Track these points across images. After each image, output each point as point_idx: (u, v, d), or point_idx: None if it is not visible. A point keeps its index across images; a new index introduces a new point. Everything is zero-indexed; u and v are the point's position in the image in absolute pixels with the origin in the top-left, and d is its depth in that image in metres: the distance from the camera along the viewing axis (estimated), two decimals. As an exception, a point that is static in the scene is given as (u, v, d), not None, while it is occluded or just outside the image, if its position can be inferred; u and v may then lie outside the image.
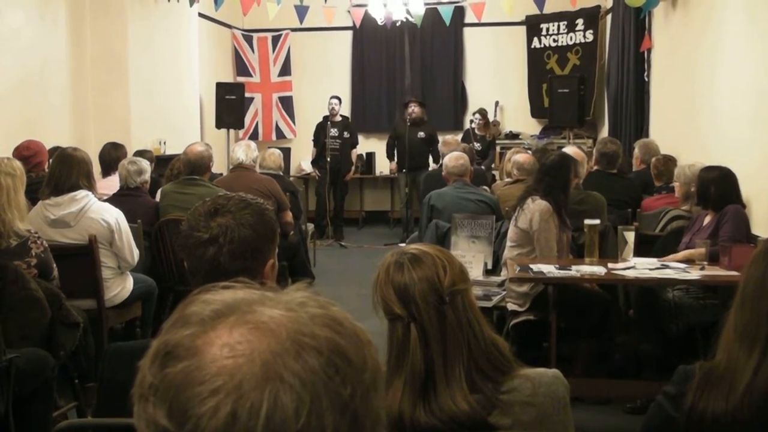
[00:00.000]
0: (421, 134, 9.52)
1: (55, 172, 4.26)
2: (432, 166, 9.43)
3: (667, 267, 4.10)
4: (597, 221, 4.33)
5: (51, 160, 4.66)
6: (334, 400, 0.64)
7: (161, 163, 6.74)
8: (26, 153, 5.15)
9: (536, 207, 4.28)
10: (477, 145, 9.66)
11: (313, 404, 0.63)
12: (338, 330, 0.68)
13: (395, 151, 9.97)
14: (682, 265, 4.11)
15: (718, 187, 4.34)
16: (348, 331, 0.69)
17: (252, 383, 0.62)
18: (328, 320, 0.68)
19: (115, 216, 4.31)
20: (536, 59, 10.87)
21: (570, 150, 5.10)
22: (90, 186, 4.30)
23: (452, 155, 5.56)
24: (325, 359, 0.65)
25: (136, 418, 0.67)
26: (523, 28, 10.89)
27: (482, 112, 10.35)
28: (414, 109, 9.56)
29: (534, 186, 4.44)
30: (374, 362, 0.70)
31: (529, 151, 6.69)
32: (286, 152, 10.10)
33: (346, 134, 9.98)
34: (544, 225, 4.26)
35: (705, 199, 4.37)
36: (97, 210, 4.26)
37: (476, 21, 10.11)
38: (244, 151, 5.98)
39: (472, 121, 10.31)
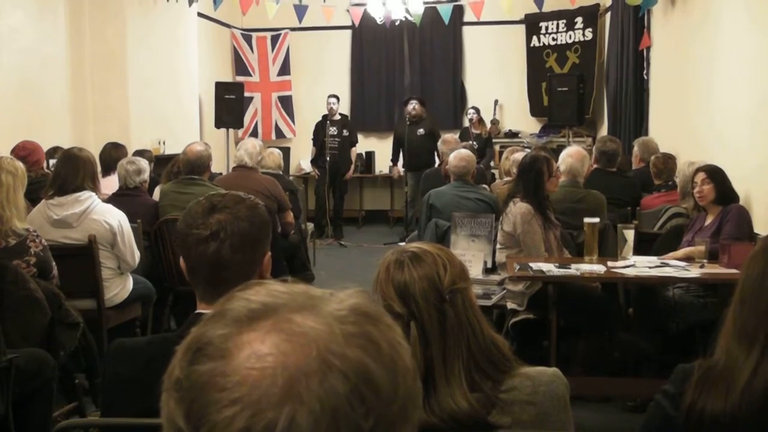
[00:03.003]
0: (421, 131, 9.50)
1: (60, 172, 4.25)
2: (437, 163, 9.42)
3: (666, 265, 4.10)
4: (596, 219, 4.33)
5: (56, 160, 4.65)
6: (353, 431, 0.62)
7: (161, 162, 6.74)
8: (23, 153, 5.15)
9: (517, 210, 4.32)
10: (474, 144, 9.65)
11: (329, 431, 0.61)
12: (372, 353, 0.65)
13: (399, 152, 9.88)
14: (682, 264, 4.11)
15: (727, 183, 4.37)
16: (384, 356, 0.66)
17: (272, 401, 0.61)
18: (365, 341, 0.65)
19: (117, 218, 4.31)
20: (535, 58, 10.87)
21: (573, 149, 5.11)
22: (94, 187, 4.29)
23: (457, 154, 5.53)
24: (351, 386, 0.62)
25: (162, 405, 0.67)
26: (522, 27, 10.89)
27: (476, 108, 10.37)
28: (414, 107, 9.53)
29: (514, 189, 4.50)
30: (408, 391, 0.67)
31: (528, 150, 6.69)
32: (286, 152, 10.08)
33: (345, 133, 9.98)
34: (528, 227, 4.30)
35: (727, 195, 4.37)
36: (100, 212, 4.25)
37: (475, 20, 10.11)
38: (249, 153, 5.96)
39: (470, 120, 10.33)
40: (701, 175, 4.38)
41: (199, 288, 1.74)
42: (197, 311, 1.75)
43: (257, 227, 1.74)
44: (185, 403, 0.64)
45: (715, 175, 4.37)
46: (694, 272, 3.98)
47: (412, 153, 9.35)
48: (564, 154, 5.00)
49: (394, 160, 10.09)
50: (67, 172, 4.20)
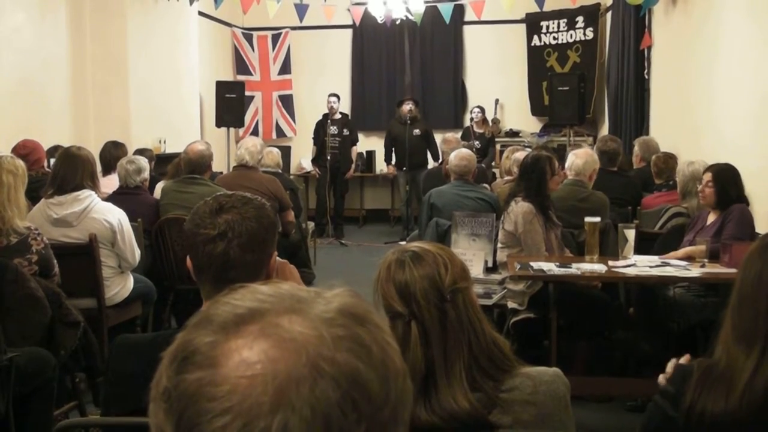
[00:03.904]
0: (417, 131, 9.54)
1: (59, 171, 4.24)
2: (431, 163, 9.44)
3: (667, 264, 4.10)
4: (597, 219, 4.33)
5: (55, 159, 4.65)
6: None
7: (161, 161, 6.74)
8: (23, 152, 5.15)
9: (519, 209, 4.32)
10: (476, 143, 9.67)
11: None
12: (363, 357, 0.64)
13: (392, 152, 9.94)
14: (683, 263, 4.10)
15: (733, 186, 4.34)
16: (375, 360, 0.65)
17: (263, 409, 0.60)
18: (354, 344, 0.64)
19: (117, 217, 4.30)
20: (536, 57, 10.87)
21: (581, 150, 5.12)
22: (94, 186, 4.29)
23: (458, 153, 5.53)
24: (342, 392, 0.62)
25: (150, 416, 0.66)
26: (523, 26, 10.89)
27: (481, 108, 10.38)
28: (411, 107, 9.57)
29: (515, 188, 4.50)
30: (399, 394, 0.66)
31: (529, 149, 6.69)
32: (287, 150, 10.10)
33: (345, 132, 9.98)
34: (529, 226, 4.30)
35: (727, 200, 4.33)
36: (100, 210, 4.25)
37: (476, 19, 10.11)
38: (250, 152, 5.95)
39: (472, 119, 10.33)
40: (708, 176, 4.35)
41: (205, 287, 1.74)
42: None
43: (264, 227, 1.74)
44: (175, 413, 0.63)
45: (719, 177, 4.32)
46: (695, 272, 3.98)
47: (410, 153, 9.38)
48: (571, 153, 5.02)
49: (388, 160, 10.10)
50: (66, 171, 4.20)
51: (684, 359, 1.75)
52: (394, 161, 9.95)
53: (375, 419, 0.63)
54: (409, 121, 9.43)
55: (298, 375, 0.61)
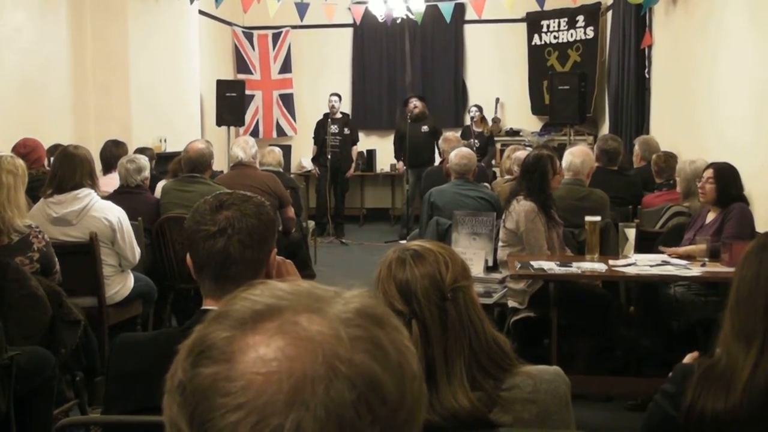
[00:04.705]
0: (425, 128, 9.51)
1: (57, 171, 4.25)
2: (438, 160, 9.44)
3: (667, 263, 4.10)
4: (598, 218, 4.33)
5: (53, 159, 4.65)
6: None
7: (162, 160, 6.74)
8: (23, 151, 5.15)
9: (521, 208, 4.32)
10: (475, 142, 9.66)
11: None
12: (379, 359, 0.64)
13: (401, 149, 9.93)
14: (683, 262, 4.10)
15: (734, 185, 4.34)
16: (391, 362, 0.64)
17: (277, 407, 0.60)
18: (371, 346, 0.64)
19: (117, 215, 4.30)
20: (537, 56, 10.87)
21: (577, 148, 5.11)
22: (93, 184, 4.29)
23: (458, 152, 5.53)
24: (357, 394, 0.61)
25: (164, 407, 0.66)
26: (523, 25, 10.89)
27: (479, 107, 10.37)
28: (416, 104, 9.56)
29: (517, 187, 4.49)
30: (414, 397, 0.66)
31: (529, 148, 6.69)
32: (287, 150, 10.09)
33: (346, 131, 9.98)
34: (531, 225, 4.30)
35: (728, 198, 4.32)
36: (99, 209, 4.25)
37: (477, 18, 10.11)
38: (243, 148, 5.94)
39: (472, 118, 10.33)
40: (709, 172, 4.35)
41: (205, 284, 1.75)
42: (203, 308, 1.76)
43: (264, 224, 1.75)
44: (188, 407, 0.63)
45: (721, 174, 4.32)
46: (695, 270, 3.98)
47: (415, 151, 9.37)
48: (567, 152, 5.01)
49: (398, 157, 10.09)
50: (65, 170, 4.20)
51: (690, 357, 1.76)
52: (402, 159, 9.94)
53: (389, 422, 0.63)
54: (410, 119, 9.42)
55: (314, 374, 0.61)
